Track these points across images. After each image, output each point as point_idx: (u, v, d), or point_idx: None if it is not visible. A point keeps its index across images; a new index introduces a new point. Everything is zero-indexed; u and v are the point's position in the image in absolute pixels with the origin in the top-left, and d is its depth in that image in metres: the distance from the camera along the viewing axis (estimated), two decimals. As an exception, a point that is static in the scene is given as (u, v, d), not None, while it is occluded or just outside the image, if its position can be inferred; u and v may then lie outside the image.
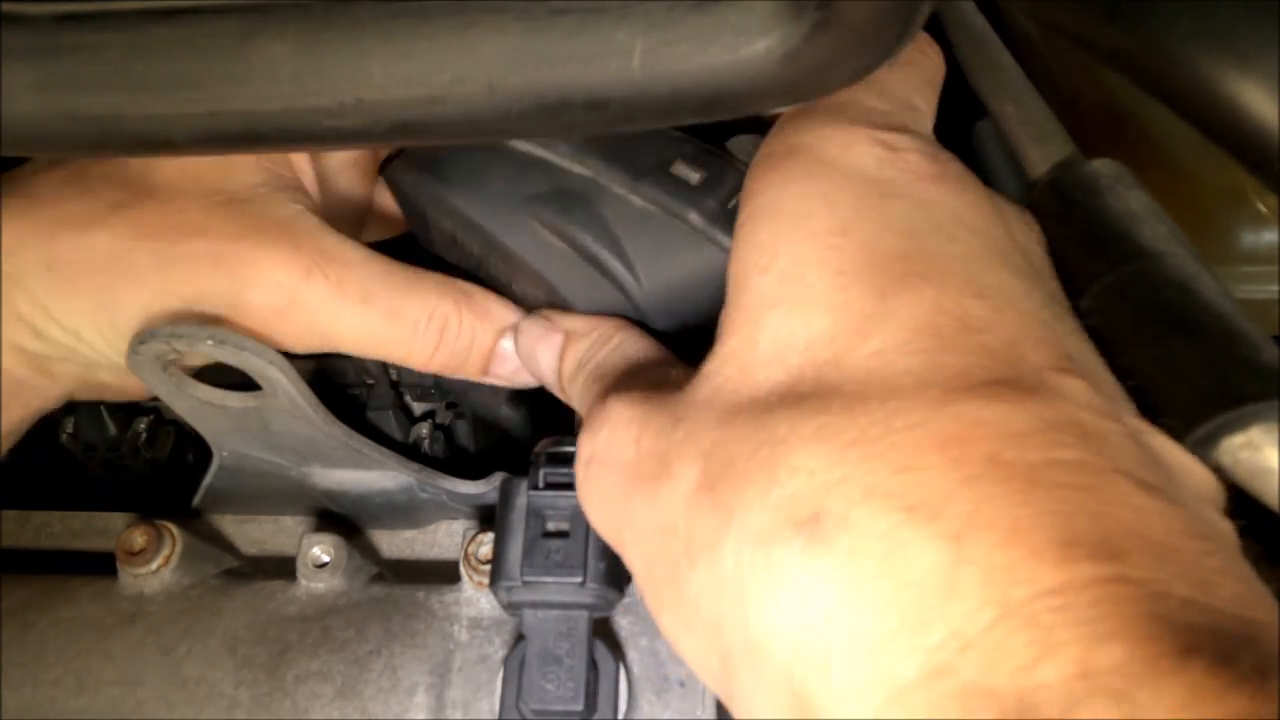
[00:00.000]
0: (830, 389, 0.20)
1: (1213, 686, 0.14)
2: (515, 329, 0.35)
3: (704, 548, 0.20)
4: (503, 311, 0.37)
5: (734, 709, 0.21)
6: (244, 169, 0.36)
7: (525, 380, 0.39)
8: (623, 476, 0.24)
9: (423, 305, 0.35)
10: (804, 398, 0.21)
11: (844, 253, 0.22)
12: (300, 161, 0.38)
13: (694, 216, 0.32)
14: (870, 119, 0.25)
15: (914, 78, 0.28)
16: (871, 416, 0.19)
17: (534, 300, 0.36)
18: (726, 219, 0.31)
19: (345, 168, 0.41)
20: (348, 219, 0.42)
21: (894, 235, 0.22)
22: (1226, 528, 0.20)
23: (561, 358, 0.32)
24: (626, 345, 0.31)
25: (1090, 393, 0.20)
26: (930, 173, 0.24)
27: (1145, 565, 0.16)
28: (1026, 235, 0.25)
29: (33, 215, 0.34)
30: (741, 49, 0.22)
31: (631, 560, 0.25)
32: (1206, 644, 0.15)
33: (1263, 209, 0.41)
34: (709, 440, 0.22)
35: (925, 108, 0.28)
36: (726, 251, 0.28)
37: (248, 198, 0.35)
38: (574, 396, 0.32)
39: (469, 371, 0.38)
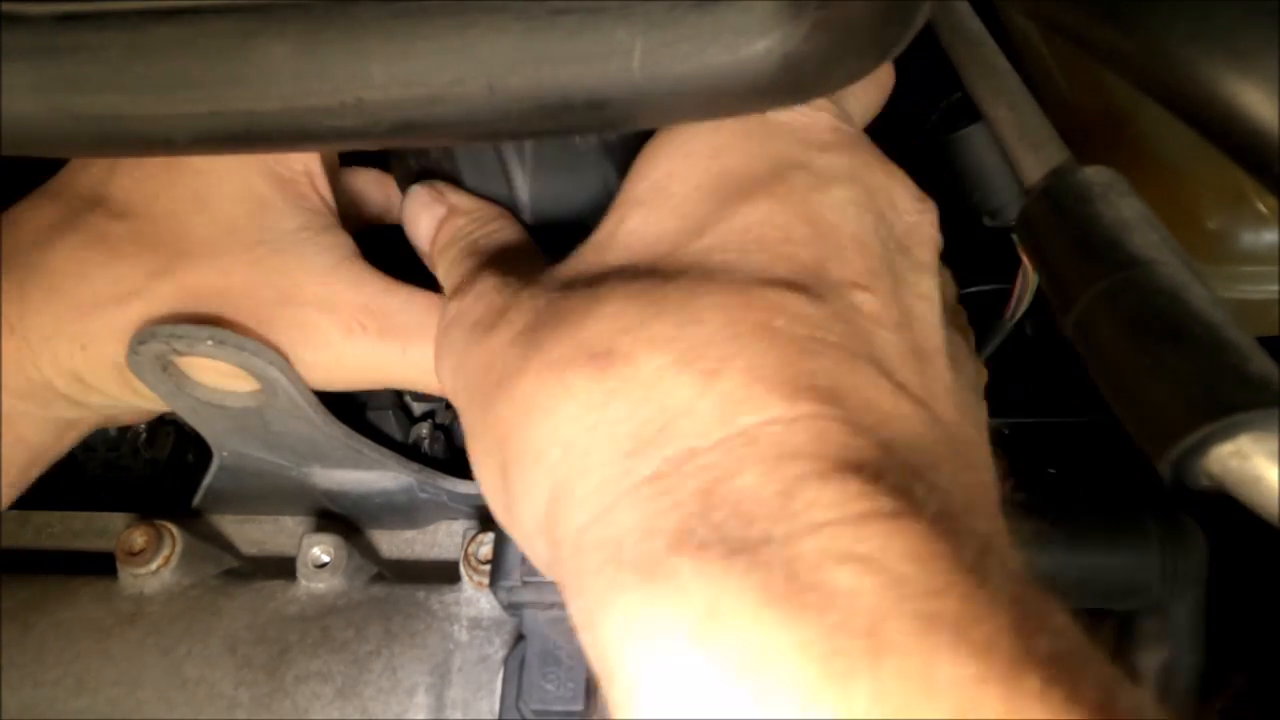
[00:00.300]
0: (656, 271, 0.24)
1: (861, 490, 0.18)
2: (405, 194, 0.35)
3: (510, 375, 0.24)
4: None
5: (507, 517, 0.25)
6: (280, 214, 0.36)
7: None
8: (467, 330, 0.27)
9: None
10: (635, 275, 0.24)
11: (708, 172, 0.26)
12: (322, 184, 0.38)
13: (594, 141, 0.33)
14: None
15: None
16: (678, 286, 0.23)
17: (440, 170, 0.37)
18: (623, 151, 0.33)
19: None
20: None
21: (757, 163, 0.26)
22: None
23: (439, 228, 0.33)
24: (504, 232, 0.32)
25: (877, 306, 0.23)
26: (820, 130, 0.27)
27: (858, 412, 0.20)
28: (896, 199, 0.27)
29: (65, 293, 0.33)
30: (741, 49, 0.22)
31: (459, 403, 0.27)
32: (868, 466, 0.19)
33: (1262, 209, 0.41)
34: (544, 299, 0.25)
35: (854, 105, 0.31)
36: (611, 181, 0.32)
37: (285, 248, 0.35)
38: (441, 267, 0.32)
39: None
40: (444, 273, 0.32)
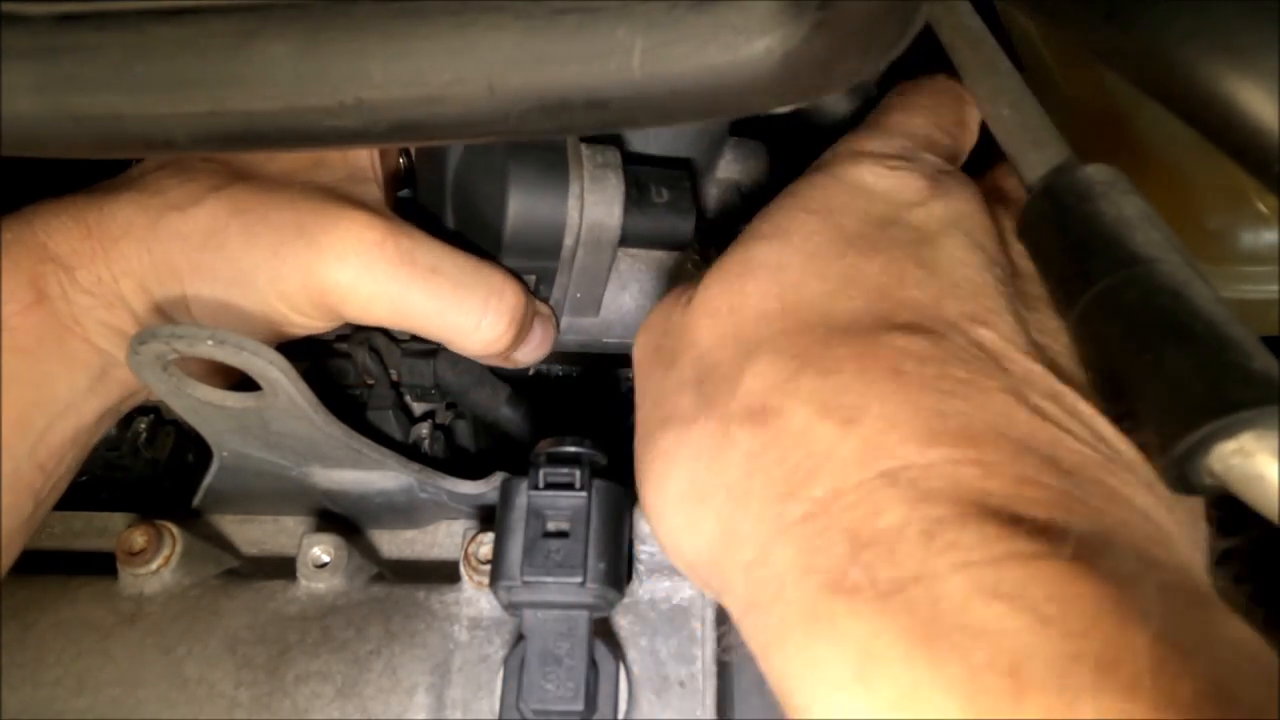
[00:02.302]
0: (790, 314, 0.27)
1: (999, 533, 0.19)
2: None
3: (681, 421, 0.27)
4: (532, 296, 0.41)
5: (671, 543, 0.27)
6: (331, 167, 0.39)
7: (528, 364, 0.42)
8: (651, 356, 0.31)
9: (491, 283, 0.38)
10: (774, 324, 0.27)
11: (822, 228, 0.28)
12: (376, 164, 0.41)
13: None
14: (875, 155, 0.31)
15: (923, 116, 0.34)
16: (814, 337, 0.25)
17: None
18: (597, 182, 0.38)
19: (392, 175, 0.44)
20: None
21: (865, 223, 0.28)
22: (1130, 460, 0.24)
23: None
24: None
25: (999, 339, 0.25)
26: (917, 186, 0.29)
27: (992, 449, 0.21)
28: (1005, 235, 0.29)
29: (141, 203, 0.37)
30: (741, 49, 0.22)
31: (640, 407, 0.31)
32: (1006, 508, 0.20)
33: (1263, 209, 0.41)
34: (701, 350, 0.28)
35: (943, 138, 0.33)
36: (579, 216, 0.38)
37: (333, 184, 0.38)
38: None
39: (509, 351, 0.41)
40: None
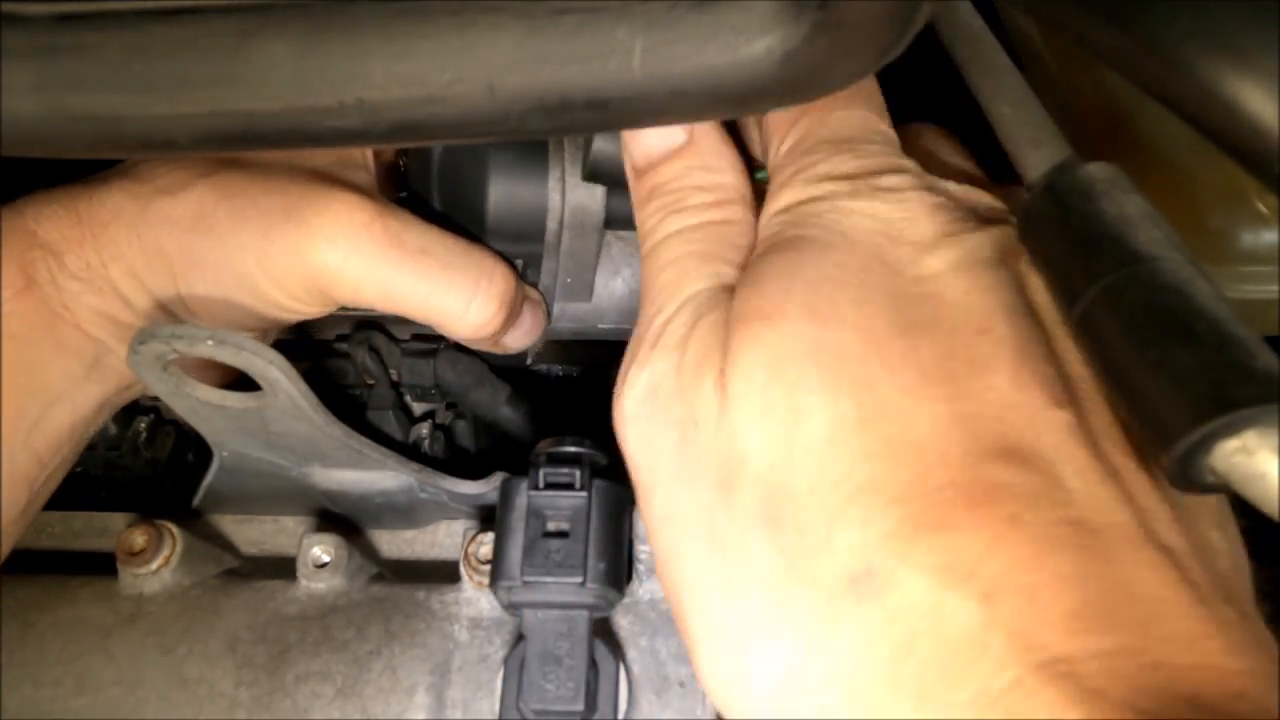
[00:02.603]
0: (870, 425, 0.22)
1: None
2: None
3: (757, 583, 0.22)
4: (521, 281, 0.40)
5: None
6: (319, 151, 0.38)
7: (517, 349, 0.42)
8: (671, 459, 0.25)
9: (481, 266, 0.38)
10: (847, 433, 0.22)
11: (860, 294, 0.24)
12: (366, 149, 0.40)
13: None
14: (859, 176, 0.26)
15: (864, 107, 0.29)
16: (907, 466, 0.21)
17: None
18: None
19: (388, 159, 0.44)
20: None
21: (890, 276, 0.24)
22: (1225, 545, 0.22)
23: (670, 157, 0.30)
24: (723, 202, 0.29)
25: (1072, 425, 0.22)
26: (924, 218, 0.25)
27: (1138, 635, 0.19)
28: (1013, 277, 0.25)
29: (131, 190, 0.37)
30: (741, 49, 0.22)
31: (655, 531, 0.25)
32: (1181, 710, 0.17)
33: (1263, 209, 0.41)
34: (766, 462, 0.23)
35: (889, 129, 0.29)
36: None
37: (322, 169, 0.38)
38: (645, 207, 0.30)
39: (499, 335, 0.40)
40: (648, 215, 0.30)
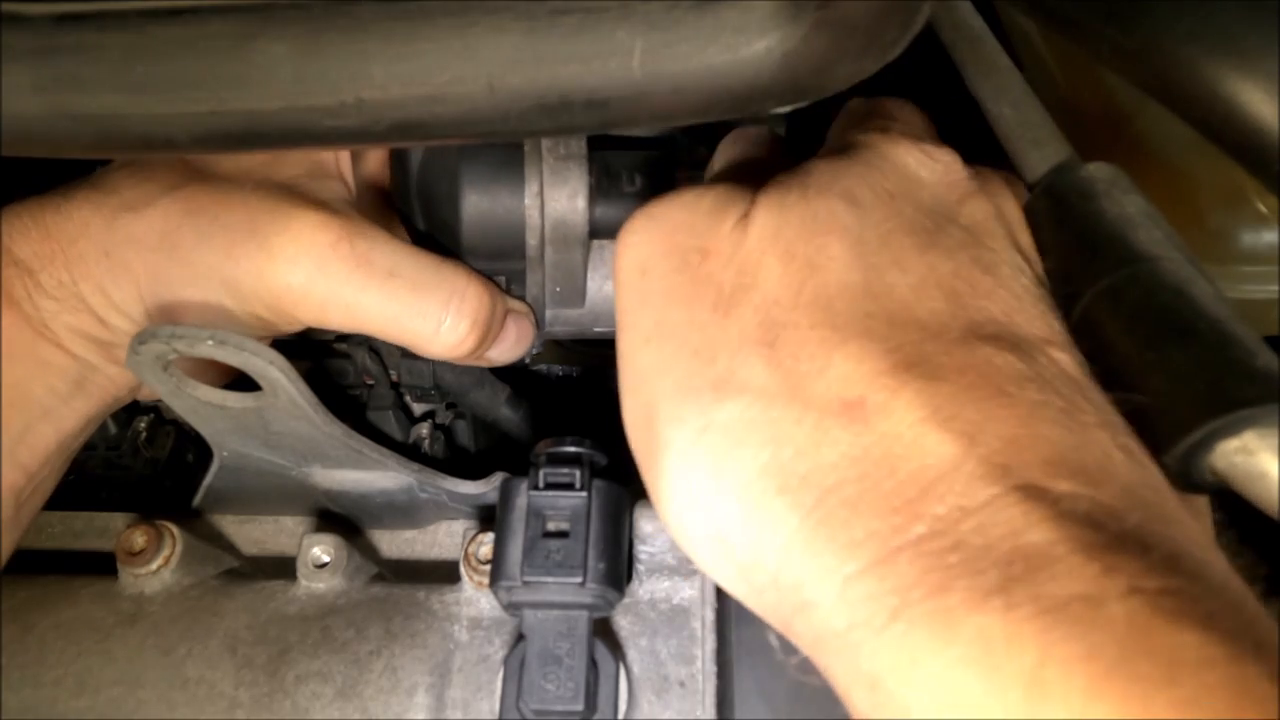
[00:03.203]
0: (875, 298, 0.24)
1: (1162, 566, 0.18)
2: None
3: (755, 389, 0.24)
4: (502, 294, 0.39)
5: (709, 539, 0.24)
6: (290, 163, 0.38)
7: (504, 362, 0.41)
8: (675, 269, 0.27)
9: (452, 285, 0.37)
10: (856, 296, 0.24)
11: (890, 213, 0.26)
12: (342, 161, 0.40)
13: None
14: (910, 138, 0.29)
15: (923, 120, 0.32)
16: (906, 332, 0.23)
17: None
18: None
19: (378, 173, 0.43)
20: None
21: (924, 214, 0.27)
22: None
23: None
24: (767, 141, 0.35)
25: (1074, 366, 0.23)
26: (958, 178, 0.28)
27: (1109, 493, 0.20)
28: (1028, 236, 0.28)
29: (97, 203, 0.36)
30: (741, 49, 0.22)
31: (635, 347, 0.27)
32: (1141, 543, 0.19)
33: (1263, 209, 0.41)
34: (775, 294, 0.25)
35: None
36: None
37: (291, 184, 0.37)
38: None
39: (478, 353, 0.39)
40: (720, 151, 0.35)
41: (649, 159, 0.39)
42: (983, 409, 0.21)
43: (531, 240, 0.38)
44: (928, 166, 0.28)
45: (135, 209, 0.36)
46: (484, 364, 0.41)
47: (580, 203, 0.37)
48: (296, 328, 0.38)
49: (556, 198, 0.37)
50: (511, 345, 0.40)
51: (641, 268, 0.27)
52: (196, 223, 0.35)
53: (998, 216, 0.27)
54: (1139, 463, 0.21)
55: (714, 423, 0.24)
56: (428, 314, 0.36)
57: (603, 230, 0.38)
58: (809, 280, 0.25)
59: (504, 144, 0.37)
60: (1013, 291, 0.25)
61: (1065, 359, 0.23)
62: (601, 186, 0.38)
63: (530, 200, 0.37)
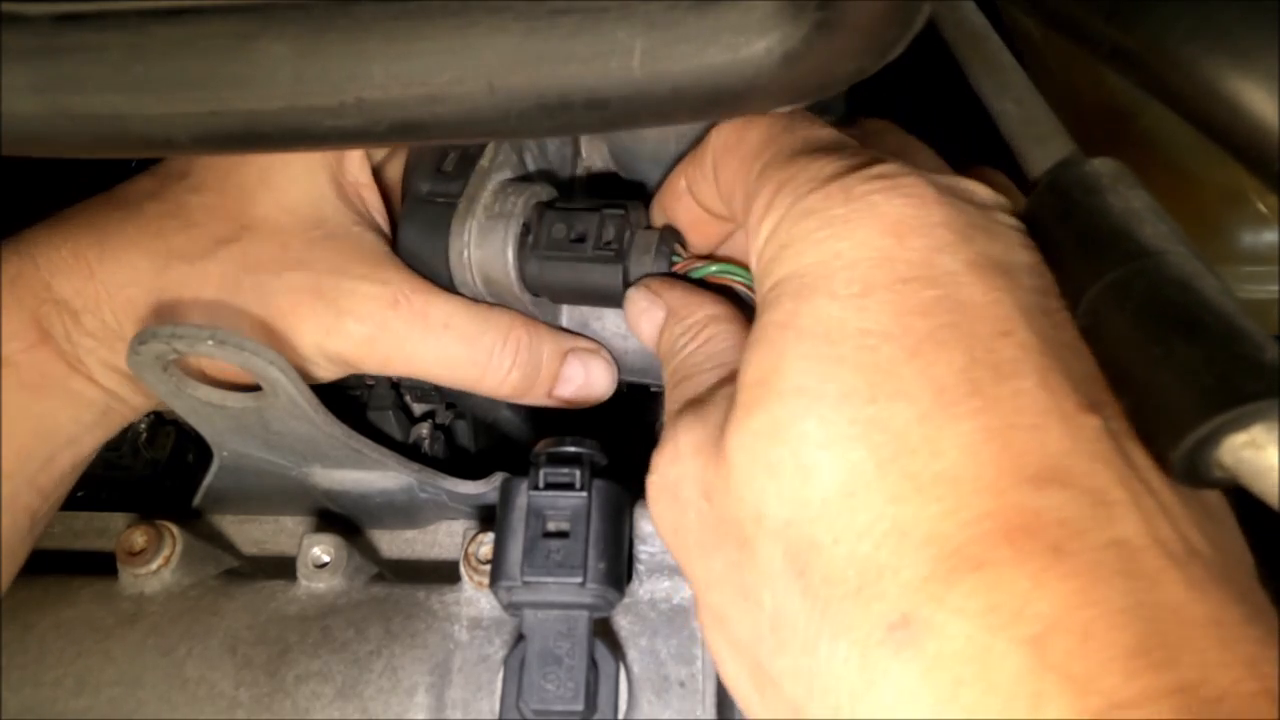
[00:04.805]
0: (885, 440, 0.21)
1: None
2: (625, 298, 0.36)
3: (794, 634, 0.22)
4: (564, 337, 0.40)
5: None
6: (335, 208, 0.39)
7: (585, 401, 0.41)
8: (695, 534, 0.26)
9: (498, 330, 0.38)
10: (862, 468, 0.21)
11: (873, 268, 0.23)
12: (372, 198, 0.41)
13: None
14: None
15: (823, 124, 0.30)
16: (935, 497, 0.20)
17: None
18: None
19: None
20: None
21: (913, 269, 0.23)
22: (1234, 537, 0.22)
23: (660, 337, 0.34)
24: (713, 343, 0.31)
25: (1105, 434, 0.21)
26: (947, 218, 0.24)
27: (1197, 668, 0.18)
28: (1026, 273, 0.24)
29: (146, 249, 0.36)
30: (741, 49, 0.22)
31: (701, 599, 0.26)
32: None
33: (1263, 209, 0.41)
34: (781, 516, 0.22)
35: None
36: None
37: (337, 234, 0.38)
38: (665, 380, 0.33)
39: (536, 394, 0.40)
40: (667, 391, 0.32)
41: (617, 215, 0.38)
42: (1045, 591, 0.19)
43: (479, 291, 0.39)
44: (896, 214, 0.24)
45: (189, 259, 0.36)
46: (557, 404, 0.41)
47: (504, 264, 0.37)
48: (348, 373, 0.39)
49: (483, 259, 0.37)
50: (582, 385, 0.41)
51: (673, 529, 0.27)
52: (257, 279, 0.36)
53: (997, 255, 0.24)
54: (1194, 573, 0.19)
55: (772, 679, 0.23)
56: (476, 360, 0.38)
57: (556, 293, 0.38)
58: (807, 488, 0.22)
59: (446, 197, 0.38)
60: (1038, 353, 0.22)
61: (1094, 424, 0.21)
62: (549, 243, 0.37)
63: (455, 260, 0.37)
